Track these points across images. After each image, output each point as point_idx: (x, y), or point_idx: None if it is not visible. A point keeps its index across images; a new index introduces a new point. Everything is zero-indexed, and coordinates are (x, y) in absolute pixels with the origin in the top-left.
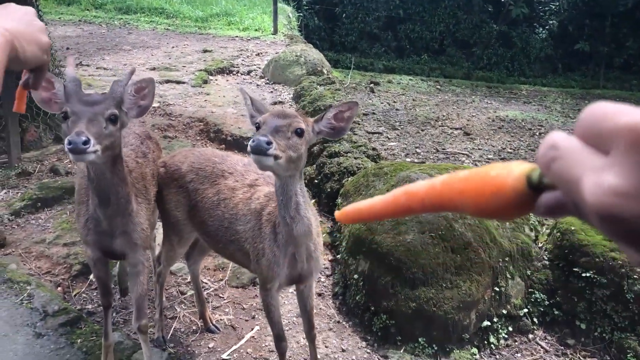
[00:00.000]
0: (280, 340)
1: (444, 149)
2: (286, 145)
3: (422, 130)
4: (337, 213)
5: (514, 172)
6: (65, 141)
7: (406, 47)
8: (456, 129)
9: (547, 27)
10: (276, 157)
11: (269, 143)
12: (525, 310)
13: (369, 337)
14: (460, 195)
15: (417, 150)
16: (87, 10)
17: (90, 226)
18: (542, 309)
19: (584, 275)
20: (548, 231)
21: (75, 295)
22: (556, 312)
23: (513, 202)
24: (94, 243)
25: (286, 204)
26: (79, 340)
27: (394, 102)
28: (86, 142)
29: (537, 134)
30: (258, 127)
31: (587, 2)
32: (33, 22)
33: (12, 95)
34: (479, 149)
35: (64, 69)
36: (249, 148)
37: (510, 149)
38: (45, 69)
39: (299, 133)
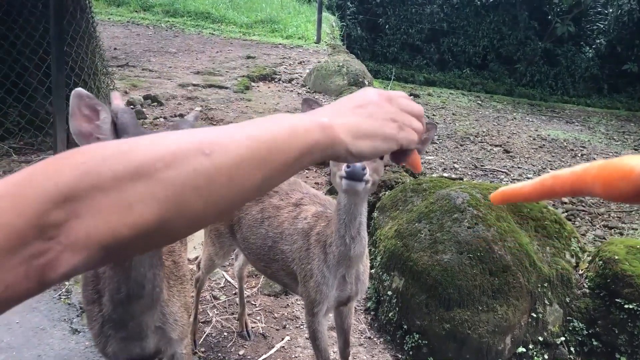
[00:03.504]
0: None
1: (482, 166)
2: (372, 168)
3: (461, 146)
4: (491, 196)
5: None
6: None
7: (448, 60)
8: (496, 145)
9: (594, 46)
10: (366, 182)
11: (364, 169)
12: (563, 338)
13: (400, 356)
14: (593, 179)
15: (455, 165)
16: (136, 11)
17: (110, 332)
18: (580, 339)
19: (626, 306)
20: (590, 258)
21: None
22: (595, 343)
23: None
24: (116, 354)
25: (349, 223)
26: None
27: (434, 115)
28: None
29: (579, 155)
30: None
31: (637, 22)
32: (378, 112)
33: (63, 92)
34: (518, 167)
35: (110, 68)
36: (343, 173)
37: (551, 169)
38: (412, 145)
39: (381, 156)
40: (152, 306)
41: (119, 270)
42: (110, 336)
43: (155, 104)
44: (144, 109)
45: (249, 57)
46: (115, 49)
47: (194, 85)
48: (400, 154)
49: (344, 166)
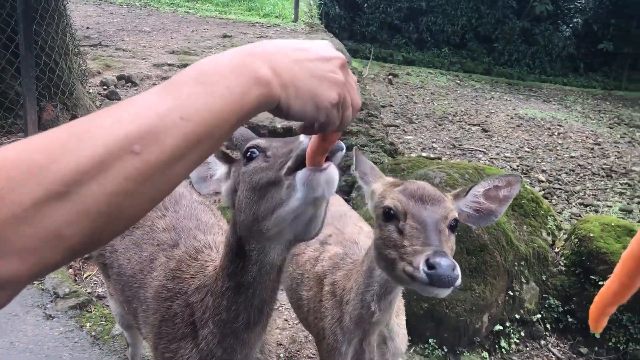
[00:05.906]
0: None
1: (460, 145)
2: (450, 247)
3: (440, 125)
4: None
5: None
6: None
7: (427, 39)
8: (474, 125)
9: (571, 25)
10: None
11: (454, 268)
12: (539, 315)
13: None
14: None
15: (434, 145)
16: None
17: None
18: (555, 315)
19: (600, 283)
20: (566, 236)
21: (86, 278)
22: (570, 320)
23: None
24: None
25: (382, 297)
26: (88, 324)
27: (412, 95)
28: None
29: (556, 133)
30: (391, 216)
31: (614, 1)
32: (324, 73)
33: (32, 72)
34: (496, 146)
35: (83, 48)
36: (423, 275)
37: (528, 147)
38: (329, 127)
39: (453, 227)
40: (263, 331)
41: (239, 299)
42: None
43: (129, 84)
44: (117, 90)
45: (225, 36)
46: (87, 28)
47: (169, 65)
48: (311, 127)
49: (422, 261)
